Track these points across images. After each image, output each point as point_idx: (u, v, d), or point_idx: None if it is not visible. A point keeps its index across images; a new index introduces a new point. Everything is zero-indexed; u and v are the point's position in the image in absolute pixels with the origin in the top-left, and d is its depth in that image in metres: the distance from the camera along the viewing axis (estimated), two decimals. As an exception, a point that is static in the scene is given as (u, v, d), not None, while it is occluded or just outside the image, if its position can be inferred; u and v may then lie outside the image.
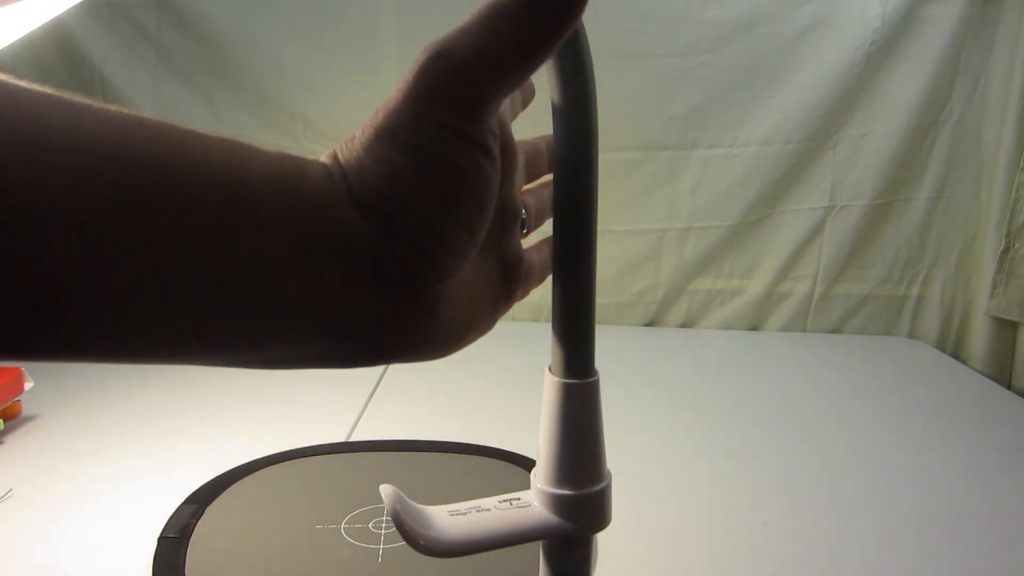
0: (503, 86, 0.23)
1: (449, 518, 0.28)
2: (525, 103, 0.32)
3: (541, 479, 0.29)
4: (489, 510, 0.29)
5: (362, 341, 0.23)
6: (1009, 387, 1.01)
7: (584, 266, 0.28)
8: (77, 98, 0.19)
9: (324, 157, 0.23)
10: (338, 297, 0.22)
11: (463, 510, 0.28)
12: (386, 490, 0.27)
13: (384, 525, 0.54)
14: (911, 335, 1.19)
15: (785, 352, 1.11)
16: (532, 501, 0.29)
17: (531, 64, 0.23)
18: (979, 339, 1.10)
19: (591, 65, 0.27)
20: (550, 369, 0.29)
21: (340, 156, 0.23)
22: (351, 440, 0.72)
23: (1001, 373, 1.08)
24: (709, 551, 0.55)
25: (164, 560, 0.49)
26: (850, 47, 1.09)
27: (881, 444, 0.76)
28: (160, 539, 0.51)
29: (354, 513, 0.55)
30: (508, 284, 0.30)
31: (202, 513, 0.55)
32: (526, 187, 0.33)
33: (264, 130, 1.18)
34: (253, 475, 0.62)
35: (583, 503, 0.28)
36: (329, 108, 1.17)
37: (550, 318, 0.29)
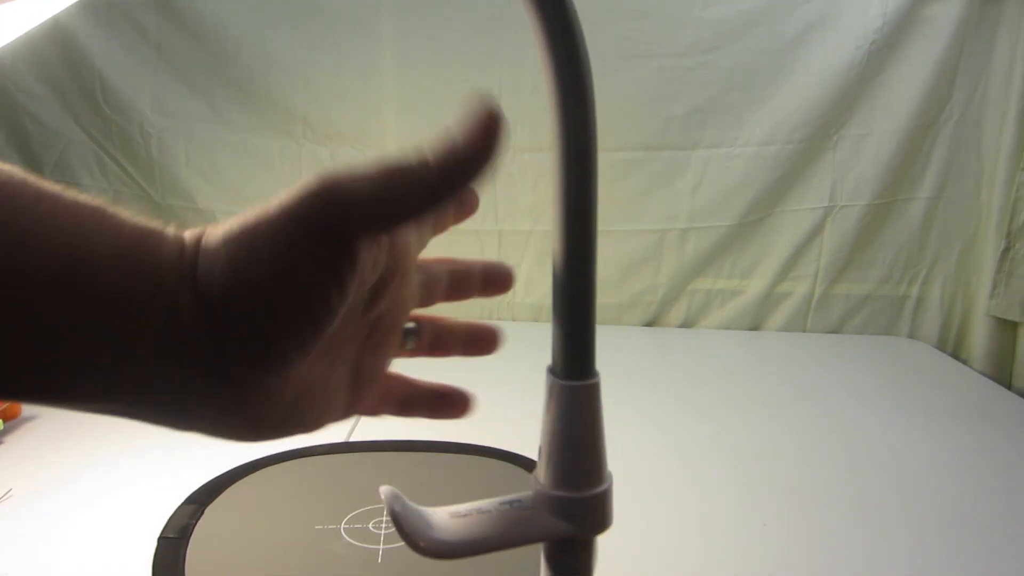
0: (386, 231, 0.24)
1: (449, 520, 0.28)
2: (460, 219, 0.32)
3: (542, 481, 0.29)
4: (489, 512, 0.28)
5: (167, 408, 0.24)
6: (1009, 387, 1.01)
7: (584, 266, 0.28)
8: None
9: (191, 233, 0.24)
10: (149, 367, 0.23)
11: (463, 512, 0.28)
12: (385, 491, 0.26)
13: (384, 525, 0.54)
14: (911, 335, 1.19)
15: (785, 352, 1.11)
16: (533, 503, 0.29)
17: (419, 217, 0.24)
18: (979, 339, 1.10)
19: (588, 63, 0.27)
20: (551, 370, 0.29)
21: (204, 239, 0.24)
22: (351, 440, 0.72)
23: (1001, 373, 1.07)
24: (709, 551, 0.55)
25: (164, 560, 0.49)
26: (850, 47, 1.09)
27: (881, 444, 0.76)
28: (160, 539, 0.51)
29: (354, 513, 0.55)
30: (356, 392, 0.30)
31: (202, 513, 0.55)
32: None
33: (264, 130, 1.17)
34: (253, 475, 0.61)
35: (584, 505, 0.28)
36: (329, 108, 1.17)
37: (550, 319, 0.29)
